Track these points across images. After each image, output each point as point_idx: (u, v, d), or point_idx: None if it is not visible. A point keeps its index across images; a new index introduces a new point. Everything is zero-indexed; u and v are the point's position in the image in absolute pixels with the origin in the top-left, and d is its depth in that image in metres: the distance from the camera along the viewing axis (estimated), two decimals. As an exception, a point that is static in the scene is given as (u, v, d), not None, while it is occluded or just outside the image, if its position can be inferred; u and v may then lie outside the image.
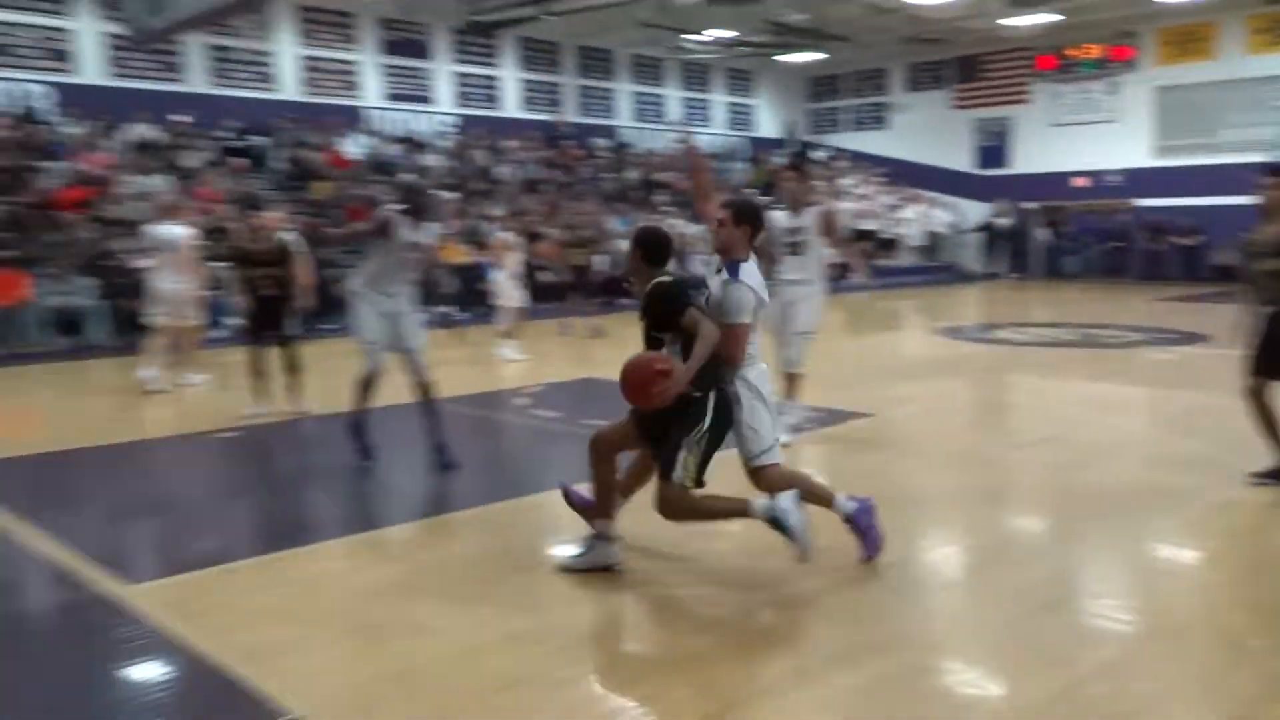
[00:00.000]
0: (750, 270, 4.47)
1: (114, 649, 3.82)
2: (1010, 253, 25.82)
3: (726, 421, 4.37)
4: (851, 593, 4.26)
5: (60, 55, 17.98)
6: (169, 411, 8.84)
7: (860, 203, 25.67)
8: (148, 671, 3.69)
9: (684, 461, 4.22)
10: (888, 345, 14.29)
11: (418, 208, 6.41)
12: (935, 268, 25.78)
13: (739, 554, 4.84)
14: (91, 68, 18.26)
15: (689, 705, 3.29)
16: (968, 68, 27.04)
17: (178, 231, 9.56)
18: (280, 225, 8.36)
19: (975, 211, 26.87)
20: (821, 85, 30.67)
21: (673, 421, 4.23)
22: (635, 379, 4.23)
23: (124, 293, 13.88)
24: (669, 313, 4.27)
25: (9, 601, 4.58)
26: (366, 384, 6.35)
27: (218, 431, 7.78)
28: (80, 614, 4.22)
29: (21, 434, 8.23)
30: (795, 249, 6.94)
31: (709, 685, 3.42)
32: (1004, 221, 25.96)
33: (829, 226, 7.01)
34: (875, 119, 29.66)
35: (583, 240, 16.04)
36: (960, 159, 27.50)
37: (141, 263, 14.15)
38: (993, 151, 26.99)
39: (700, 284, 4.55)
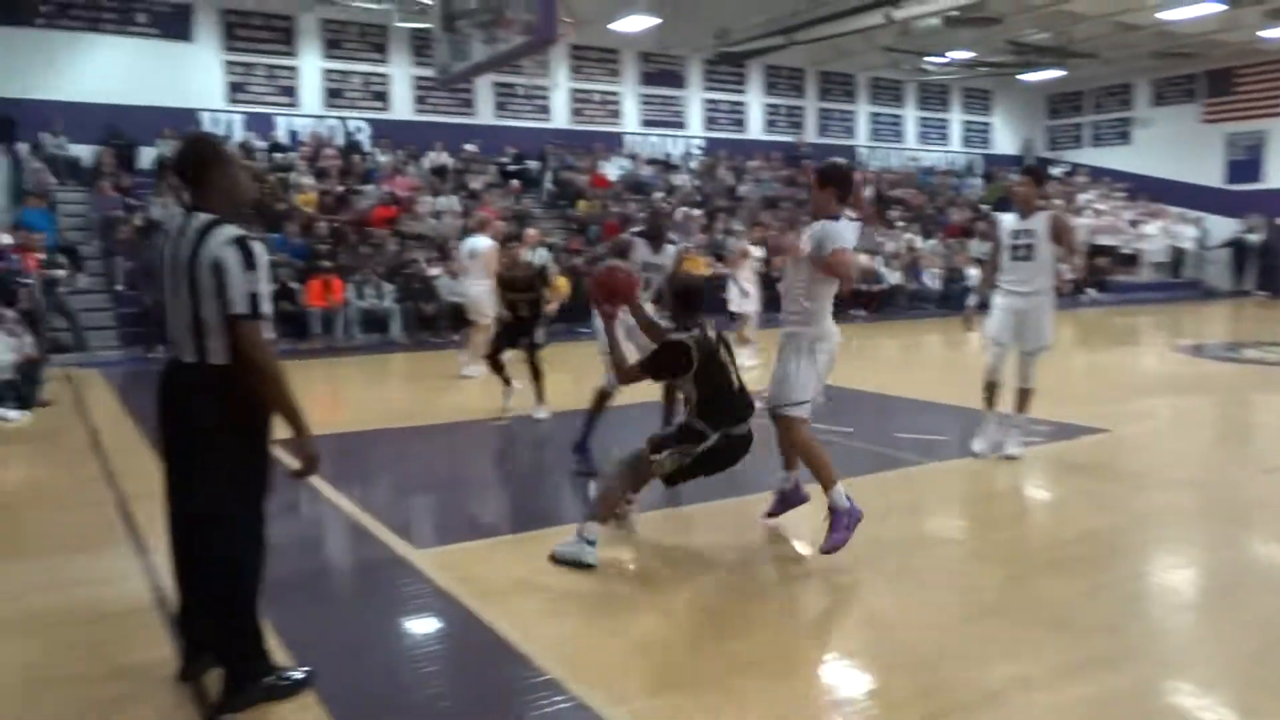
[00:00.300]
0: (839, 223, 4.55)
1: (404, 603, 4.13)
2: (1260, 269, 23.22)
3: (719, 463, 4.57)
4: (1084, 605, 3.97)
5: (379, 96, 19.66)
6: (453, 400, 9.42)
7: (1099, 218, 23.88)
8: (430, 625, 3.96)
9: (666, 457, 4.47)
10: (1125, 361, 13.17)
11: (656, 231, 6.33)
12: (1178, 284, 23.58)
13: (968, 559, 4.63)
14: (401, 106, 19.85)
15: (912, 704, 3.16)
16: (1220, 81, 24.55)
17: (483, 243, 10.30)
18: (538, 241, 8.74)
19: (1223, 227, 24.33)
20: (1061, 101, 28.75)
21: (680, 436, 4.54)
22: (598, 284, 4.85)
23: (418, 296, 15.01)
24: (658, 365, 4.58)
25: (321, 555, 5.06)
26: (605, 394, 6.27)
27: (490, 420, 8.23)
28: (377, 571, 4.58)
29: (334, 415, 9.05)
30: (1024, 253, 6.26)
31: (933, 686, 3.28)
32: (1254, 237, 23.36)
33: (1060, 232, 6.23)
34: (1118, 134, 27.50)
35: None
36: (1208, 173, 24.99)
37: (433, 270, 15.29)
38: (1245, 165, 24.36)
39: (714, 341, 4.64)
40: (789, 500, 5.03)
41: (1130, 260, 23.82)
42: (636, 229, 6.55)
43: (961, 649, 3.57)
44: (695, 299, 4.68)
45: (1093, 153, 27.98)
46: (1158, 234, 24.27)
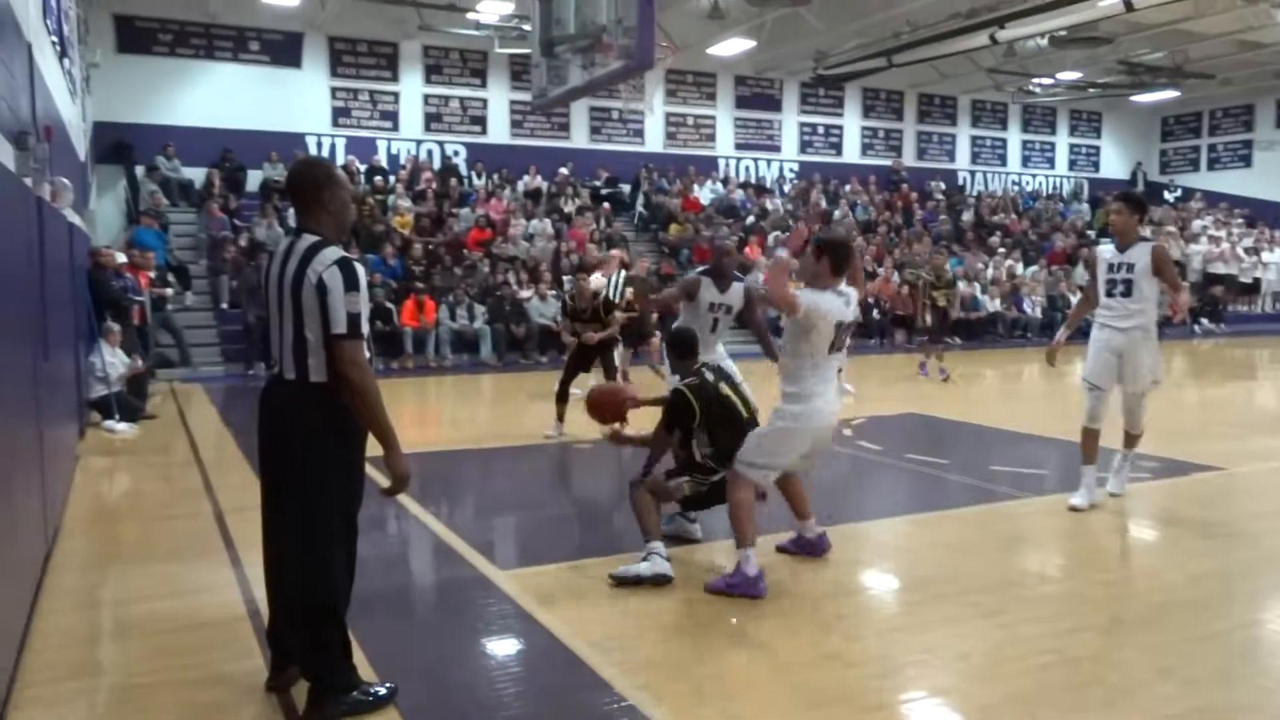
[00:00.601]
0: (822, 294, 4.40)
1: (487, 623, 4.17)
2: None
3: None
4: (1192, 653, 3.78)
5: (476, 120, 20.16)
6: (539, 421, 9.49)
7: (1214, 245, 22.90)
8: (511, 646, 3.99)
9: (683, 483, 4.80)
10: (1242, 396, 12.58)
11: (721, 269, 6.24)
12: (1303, 315, 22.48)
13: (1068, 599, 4.47)
14: (498, 130, 20.32)
15: (1001, 748, 3.07)
16: (1351, 101, 23.41)
17: (595, 280, 10.57)
18: (620, 263, 8.85)
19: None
20: (1176, 123, 27.78)
21: (693, 466, 4.87)
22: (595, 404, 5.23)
23: (509, 318, 15.27)
24: (668, 417, 4.85)
25: (407, 572, 5.16)
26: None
27: (575, 442, 8.30)
28: (460, 589, 4.64)
29: (423, 434, 9.25)
30: (1121, 288, 5.83)
31: (1023, 731, 3.17)
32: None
33: (1161, 266, 5.77)
34: (1238, 157, 26.41)
35: (946, 280, 13.55)
36: (1338, 199, 23.79)
37: (524, 293, 15.56)
38: (1379, 191, 23.12)
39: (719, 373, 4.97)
40: (806, 544, 4.99)
41: (1249, 289, 22.79)
42: (702, 268, 6.54)
43: (1060, 693, 3.44)
44: (686, 346, 5.06)
45: (1209, 176, 26.94)
46: (1279, 262, 23.18)
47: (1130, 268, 5.82)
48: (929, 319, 13.17)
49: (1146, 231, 6.01)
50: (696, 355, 5.07)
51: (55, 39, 7.19)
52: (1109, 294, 5.92)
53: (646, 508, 4.70)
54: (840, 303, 4.43)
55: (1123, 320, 5.86)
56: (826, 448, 4.86)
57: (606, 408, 5.21)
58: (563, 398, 8.55)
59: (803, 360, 4.43)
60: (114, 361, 9.27)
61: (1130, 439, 6.18)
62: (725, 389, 4.84)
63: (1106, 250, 6.03)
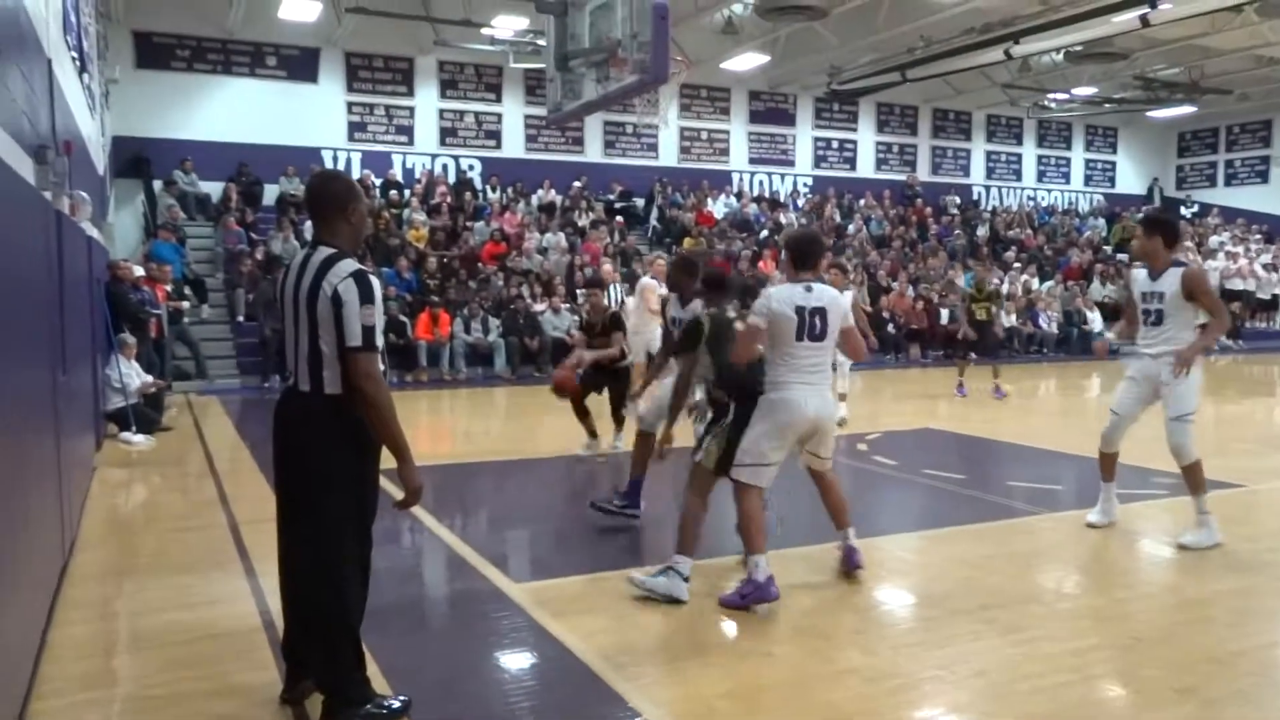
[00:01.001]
0: (780, 289, 4.63)
1: (500, 636, 4.17)
2: None
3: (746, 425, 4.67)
4: (1212, 672, 3.74)
5: (491, 135, 20.25)
6: (553, 434, 9.51)
7: (1232, 261, 22.77)
8: (525, 659, 3.98)
9: (708, 448, 4.70)
10: (1261, 413, 12.48)
11: (678, 285, 6.23)
12: (1323, 331, 22.30)
13: (1085, 616, 4.43)
14: (512, 144, 20.40)
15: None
16: (1370, 116, 23.28)
17: (643, 281, 10.55)
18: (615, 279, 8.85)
19: (1375, 271, 22.91)
20: (1193, 139, 27.68)
21: (711, 421, 4.79)
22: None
23: (523, 331, 15.30)
24: (680, 342, 5.15)
25: (420, 585, 5.16)
26: (644, 435, 6.10)
27: (591, 456, 8.28)
28: (474, 603, 4.63)
29: (437, 447, 9.26)
30: (1153, 317, 5.56)
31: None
32: None
33: (1196, 294, 5.45)
34: (1255, 173, 26.29)
35: (988, 294, 12.92)
36: (1357, 215, 23.64)
37: (538, 306, 15.60)
38: (1399, 206, 22.97)
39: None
40: (847, 559, 4.93)
41: (1267, 306, 22.65)
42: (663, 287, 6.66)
43: (1077, 711, 3.41)
44: (719, 284, 5.31)
45: (1226, 192, 26.82)
46: (1298, 278, 23.05)
47: (1160, 296, 5.52)
48: (968, 332, 12.41)
49: (1180, 256, 5.77)
50: (727, 292, 5.23)
51: (75, 55, 7.27)
52: (1144, 320, 5.69)
53: (690, 522, 4.61)
54: (800, 290, 4.54)
55: (1153, 347, 5.61)
56: (826, 438, 4.74)
57: (565, 383, 6.94)
58: (583, 413, 8.26)
59: (775, 351, 4.54)
60: (130, 373, 9.32)
61: (1188, 479, 5.60)
62: (738, 320, 4.98)
63: (1140, 275, 5.75)
